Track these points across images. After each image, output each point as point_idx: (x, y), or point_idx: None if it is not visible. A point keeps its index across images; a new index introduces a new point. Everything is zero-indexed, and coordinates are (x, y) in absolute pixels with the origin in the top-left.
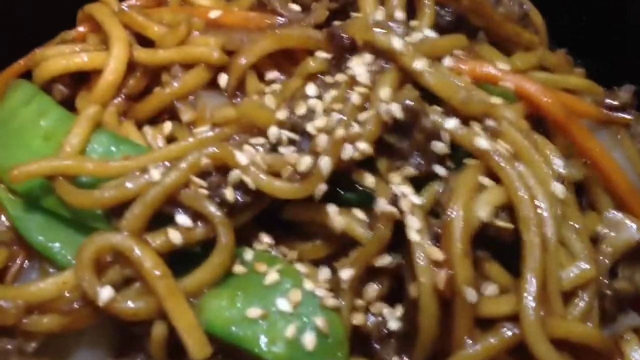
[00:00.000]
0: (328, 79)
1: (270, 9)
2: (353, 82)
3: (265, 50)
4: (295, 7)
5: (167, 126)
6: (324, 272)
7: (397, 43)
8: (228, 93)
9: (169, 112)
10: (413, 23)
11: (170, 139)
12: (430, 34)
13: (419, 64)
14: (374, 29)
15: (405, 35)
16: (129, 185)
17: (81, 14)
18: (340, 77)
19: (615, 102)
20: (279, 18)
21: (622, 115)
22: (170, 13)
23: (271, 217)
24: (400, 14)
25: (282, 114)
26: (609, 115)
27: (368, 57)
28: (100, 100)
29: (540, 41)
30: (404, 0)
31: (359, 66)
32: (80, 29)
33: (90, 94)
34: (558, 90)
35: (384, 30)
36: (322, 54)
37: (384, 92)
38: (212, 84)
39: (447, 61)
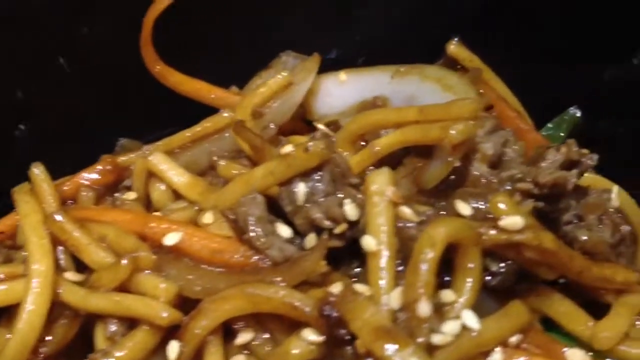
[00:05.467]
0: None
1: (247, 239)
2: None
3: (232, 314)
4: (285, 233)
5: None
6: None
7: None
8: None
9: None
10: (446, 297)
11: None
12: (472, 321)
13: None
14: (387, 337)
15: (432, 332)
16: None
17: None
18: None
19: None
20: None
21: None
22: (114, 229)
23: None
24: (425, 309)
25: None
26: None
27: None
28: None
29: None
30: (433, 279)
31: None
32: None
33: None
34: None
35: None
36: (311, 336)
37: None
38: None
39: (497, 357)
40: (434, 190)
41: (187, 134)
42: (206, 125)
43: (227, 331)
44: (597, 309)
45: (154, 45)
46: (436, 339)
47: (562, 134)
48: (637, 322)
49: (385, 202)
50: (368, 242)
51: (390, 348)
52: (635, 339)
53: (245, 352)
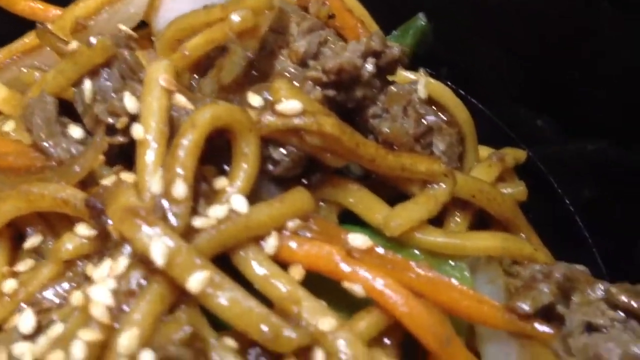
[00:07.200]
0: (89, 270)
1: (33, 140)
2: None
3: (11, 215)
4: (76, 134)
5: None
6: None
7: (158, 251)
8: None
9: None
10: (220, 183)
11: None
12: (240, 204)
13: (196, 283)
14: (135, 217)
15: (198, 214)
16: None
17: None
18: (76, 298)
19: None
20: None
21: (542, 328)
22: None
23: None
24: (180, 191)
25: None
26: (521, 326)
27: (122, 262)
28: None
29: (448, 172)
30: (192, 162)
31: (102, 284)
32: None
33: None
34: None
35: (148, 221)
36: (84, 231)
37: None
38: None
39: (272, 242)
40: (236, 86)
41: (9, 48)
42: (28, 39)
43: (20, 237)
44: None
45: None
46: (198, 222)
47: (408, 42)
48: (457, 217)
49: (158, 90)
50: (137, 130)
51: (137, 228)
52: (439, 230)
53: (35, 255)
